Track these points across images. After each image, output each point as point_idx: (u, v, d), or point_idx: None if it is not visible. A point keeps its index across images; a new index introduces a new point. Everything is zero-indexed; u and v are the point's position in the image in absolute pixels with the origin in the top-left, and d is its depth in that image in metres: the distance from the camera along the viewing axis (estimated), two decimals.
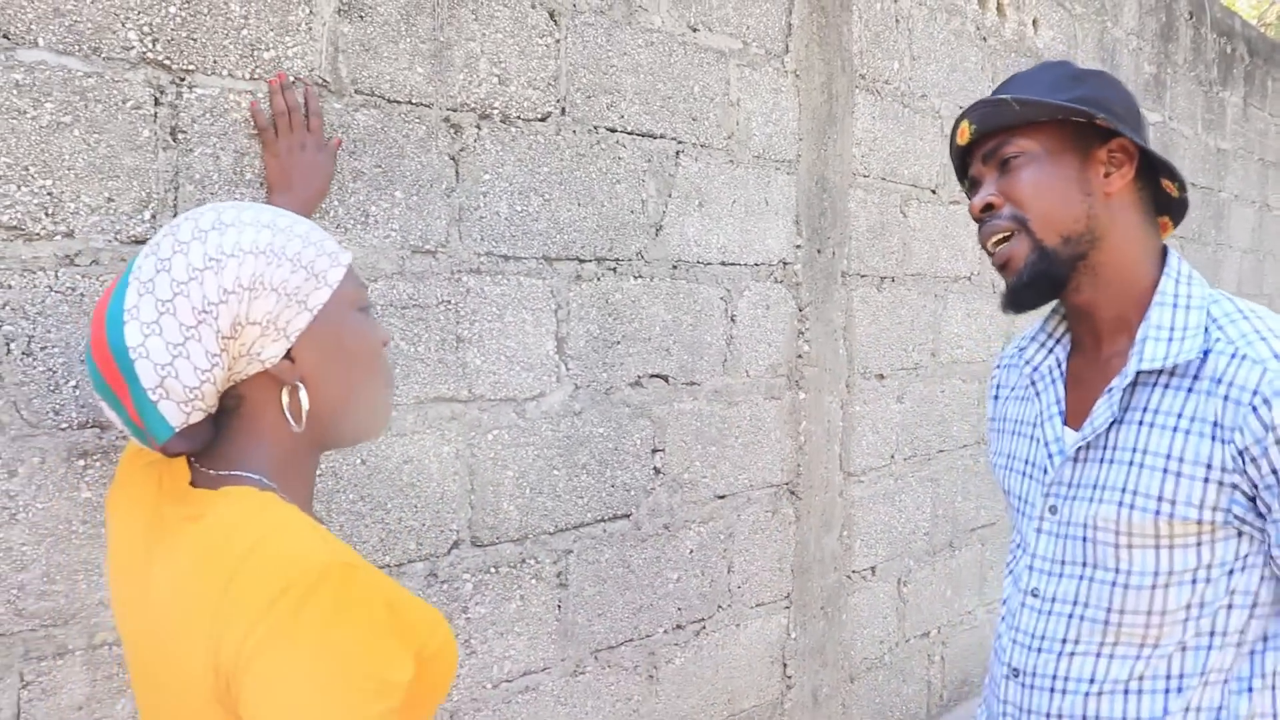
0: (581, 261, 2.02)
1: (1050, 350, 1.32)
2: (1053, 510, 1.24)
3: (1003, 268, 1.23)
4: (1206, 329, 1.16)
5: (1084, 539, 1.21)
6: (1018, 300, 1.24)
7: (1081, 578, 1.21)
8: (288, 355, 0.94)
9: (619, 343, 2.10)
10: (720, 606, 2.37)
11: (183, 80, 1.46)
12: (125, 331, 0.89)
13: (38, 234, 1.34)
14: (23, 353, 1.33)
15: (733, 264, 2.32)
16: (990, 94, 1.24)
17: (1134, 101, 1.23)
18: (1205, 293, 1.20)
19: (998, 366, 1.47)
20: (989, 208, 1.22)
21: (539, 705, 1.99)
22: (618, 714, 2.13)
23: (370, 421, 1.02)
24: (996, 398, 1.45)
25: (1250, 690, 1.17)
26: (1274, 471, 1.08)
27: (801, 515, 2.55)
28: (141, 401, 0.90)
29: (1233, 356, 1.12)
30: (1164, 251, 1.25)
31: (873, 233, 2.72)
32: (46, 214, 1.35)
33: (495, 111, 1.86)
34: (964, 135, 1.25)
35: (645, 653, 2.19)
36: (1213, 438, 1.12)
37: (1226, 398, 1.11)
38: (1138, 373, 1.17)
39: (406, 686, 0.86)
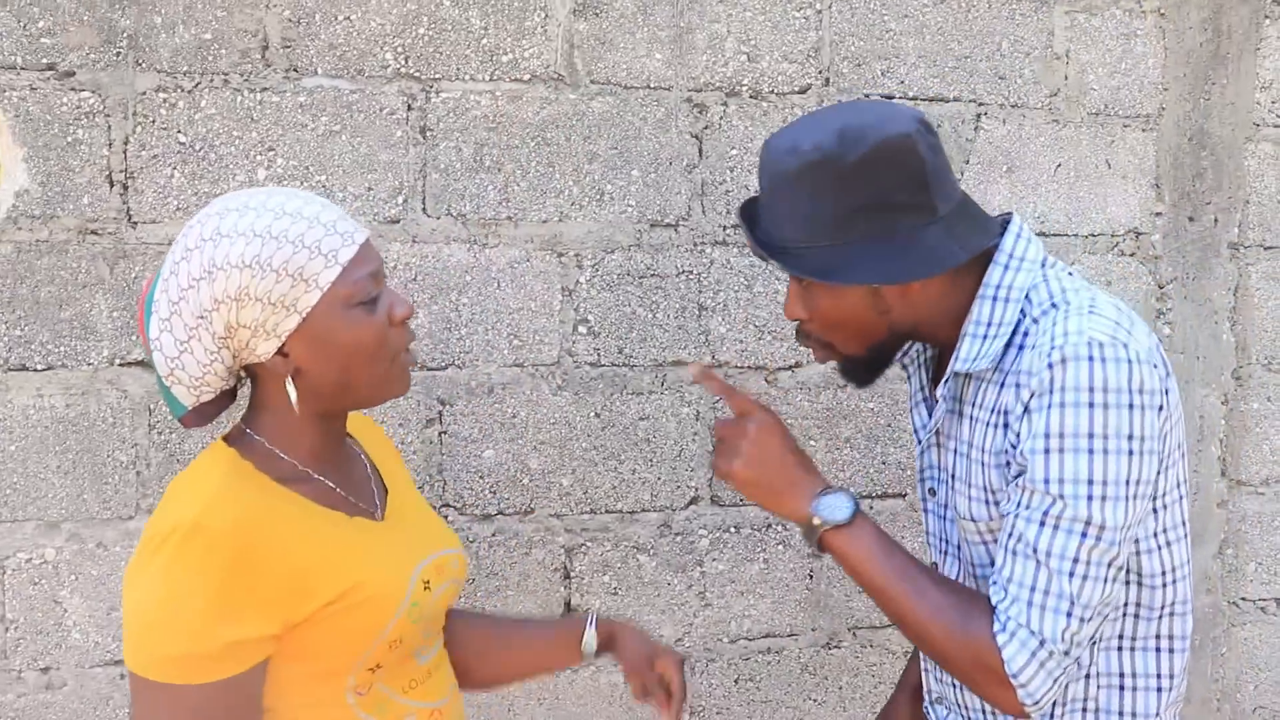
0: None
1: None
2: (932, 492, 1.32)
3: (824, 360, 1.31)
4: (1019, 322, 1.16)
5: (953, 520, 1.28)
6: (849, 381, 1.31)
7: (959, 559, 1.29)
8: (281, 351, 1.05)
9: None
10: None
11: (430, 87, 1.78)
12: (150, 323, 1.05)
13: None
14: None
15: (1056, 234, 2.09)
16: (755, 207, 1.23)
17: (922, 173, 1.14)
18: (1029, 279, 1.17)
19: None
20: (798, 320, 1.25)
21: (782, 668, 2.04)
22: (879, 695, 2.08)
23: (376, 393, 1.12)
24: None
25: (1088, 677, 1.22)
26: (1031, 435, 1.09)
27: None
28: (160, 383, 1.08)
29: (1023, 349, 1.14)
30: (1003, 225, 1.21)
31: None
32: None
33: (744, 88, 1.92)
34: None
35: None
36: (1001, 425, 1.15)
37: (1018, 385, 1.13)
38: None
39: (235, 643, 0.99)
